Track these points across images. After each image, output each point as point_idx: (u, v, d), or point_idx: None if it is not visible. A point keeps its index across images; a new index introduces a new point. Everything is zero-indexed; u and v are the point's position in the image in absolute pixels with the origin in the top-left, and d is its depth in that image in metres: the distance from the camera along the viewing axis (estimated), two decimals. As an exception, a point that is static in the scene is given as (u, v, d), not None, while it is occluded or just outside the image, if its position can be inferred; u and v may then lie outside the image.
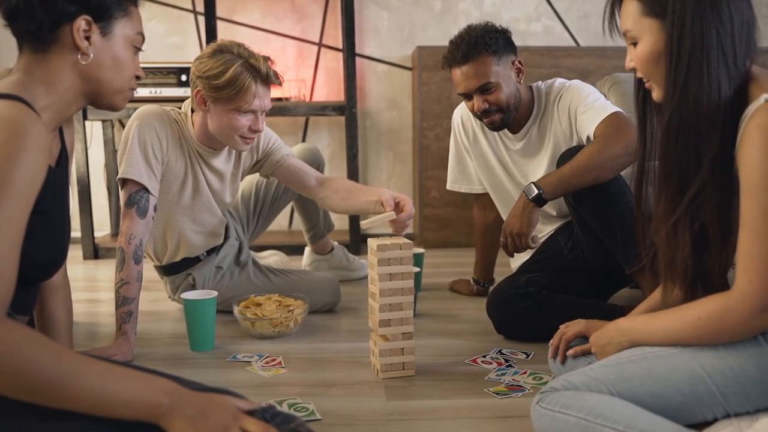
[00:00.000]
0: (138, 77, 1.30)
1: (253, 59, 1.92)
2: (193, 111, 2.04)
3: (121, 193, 1.92)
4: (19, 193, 0.98)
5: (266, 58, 1.95)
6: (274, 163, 2.21)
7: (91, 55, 1.18)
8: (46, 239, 1.13)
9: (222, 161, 2.13)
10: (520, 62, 2.09)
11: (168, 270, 2.19)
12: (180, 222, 2.09)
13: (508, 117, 2.08)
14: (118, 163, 1.96)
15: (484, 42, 2.00)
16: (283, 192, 2.45)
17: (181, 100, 3.06)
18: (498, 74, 2.02)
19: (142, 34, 1.28)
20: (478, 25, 2.07)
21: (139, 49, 1.28)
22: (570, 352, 1.44)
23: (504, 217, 2.29)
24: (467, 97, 2.09)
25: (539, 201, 1.85)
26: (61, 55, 1.17)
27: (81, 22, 1.16)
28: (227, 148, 2.11)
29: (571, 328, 1.47)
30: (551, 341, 1.50)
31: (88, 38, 1.17)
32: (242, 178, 2.28)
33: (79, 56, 1.17)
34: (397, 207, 1.92)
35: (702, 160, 1.14)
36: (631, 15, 1.21)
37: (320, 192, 2.17)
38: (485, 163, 2.27)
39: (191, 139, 2.04)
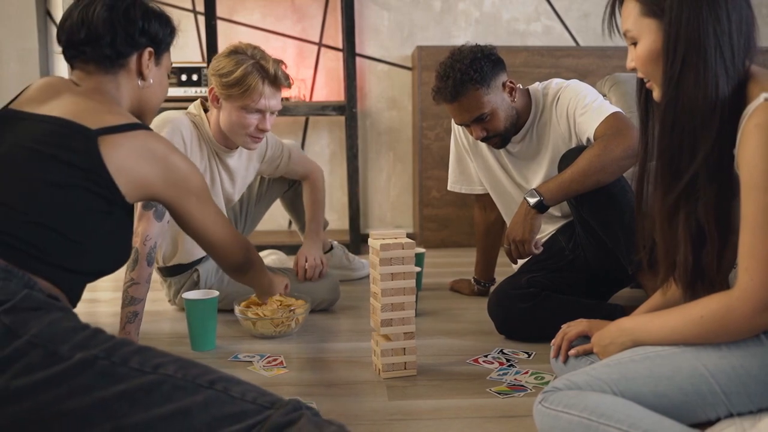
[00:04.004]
0: None
1: (264, 61, 2.01)
2: (206, 111, 2.13)
3: None
4: None
5: (278, 61, 2.04)
6: (273, 172, 2.39)
7: (152, 82, 1.42)
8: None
9: (235, 159, 2.21)
10: (511, 82, 2.06)
11: (173, 270, 2.20)
12: None
13: (507, 136, 2.09)
14: None
15: (469, 77, 1.96)
16: (267, 190, 2.50)
17: (181, 99, 3.08)
18: (490, 102, 2.00)
19: (172, 64, 1.52)
20: (462, 53, 2.02)
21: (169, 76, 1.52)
22: (572, 351, 1.44)
23: (506, 219, 2.29)
24: (465, 125, 2.10)
25: (541, 207, 1.85)
26: (126, 78, 1.38)
27: (148, 53, 1.39)
28: (240, 148, 2.18)
29: (573, 328, 1.48)
30: (553, 341, 1.50)
31: (147, 67, 1.40)
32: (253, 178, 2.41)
33: (140, 82, 1.40)
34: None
35: (696, 156, 1.14)
36: (630, 15, 1.22)
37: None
38: (485, 165, 2.27)
39: (210, 140, 2.12)
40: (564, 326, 1.51)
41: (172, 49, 1.52)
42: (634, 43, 1.23)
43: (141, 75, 1.39)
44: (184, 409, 0.97)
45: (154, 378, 1.00)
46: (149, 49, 1.39)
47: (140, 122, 1.33)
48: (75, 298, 1.26)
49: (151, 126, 2.00)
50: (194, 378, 1.01)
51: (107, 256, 1.29)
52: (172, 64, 1.50)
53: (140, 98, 1.42)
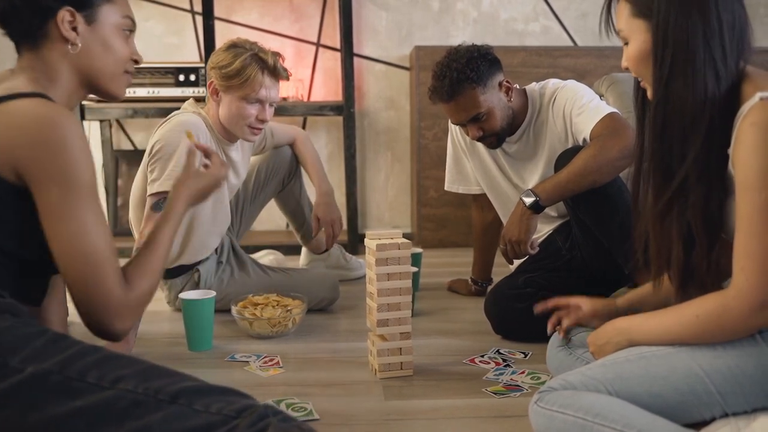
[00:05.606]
0: (135, 61, 1.32)
1: (263, 53, 2.09)
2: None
3: (149, 198, 1.98)
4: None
5: (276, 53, 2.12)
6: (260, 151, 2.48)
7: (80, 45, 1.22)
8: None
9: (234, 151, 2.25)
10: (508, 81, 2.06)
11: (175, 272, 2.19)
12: (201, 224, 2.12)
13: (503, 136, 2.09)
14: (149, 169, 2.02)
15: (465, 76, 1.96)
16: (261, 190, 2.51)
17: (179, 100, 3.07)
18: (486, 102, 2.00)
19: (129, 18, 1.30)
20: (458, 52, 2.02)
21: (131, 32, 1.31)
22: (565, 323, 1.51)
23: (502, 219, 2.29)
24: (461, 125, 2.10)
25: (536, 208, 1.85)
26: (53, 49, 1.21)
27: (64, 14, 1.20)
28: (239, 140, 2.22)
29: (572, 312, 1.53)
30: (550, 319, 1.55)
31: (74, 29, 1.21)
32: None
33: (69, 47, 1.21)
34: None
35: (686, 157, 1.14)
36: (622, 15, 1.22)
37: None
38: (482, 165, 2.27)
39: (215, 135, 2.16)
40: (562, 300, 1.55)
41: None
42: (627, 43, 1.23)
43: (65, 39, 1.21)
44: (143, 427, 0.93)
45: (112, 393, 0.95)
46: (66, 9, 1.19)
47: (36, 92, 1.15)
48: (25, 295, 1.16)
49: (166, 131, 2.00)
50: (156, 393, 0.96)
51: (22, 249, 1.15)
52: (125, 17, 1.28)
53: (78, 65, 1.23)
